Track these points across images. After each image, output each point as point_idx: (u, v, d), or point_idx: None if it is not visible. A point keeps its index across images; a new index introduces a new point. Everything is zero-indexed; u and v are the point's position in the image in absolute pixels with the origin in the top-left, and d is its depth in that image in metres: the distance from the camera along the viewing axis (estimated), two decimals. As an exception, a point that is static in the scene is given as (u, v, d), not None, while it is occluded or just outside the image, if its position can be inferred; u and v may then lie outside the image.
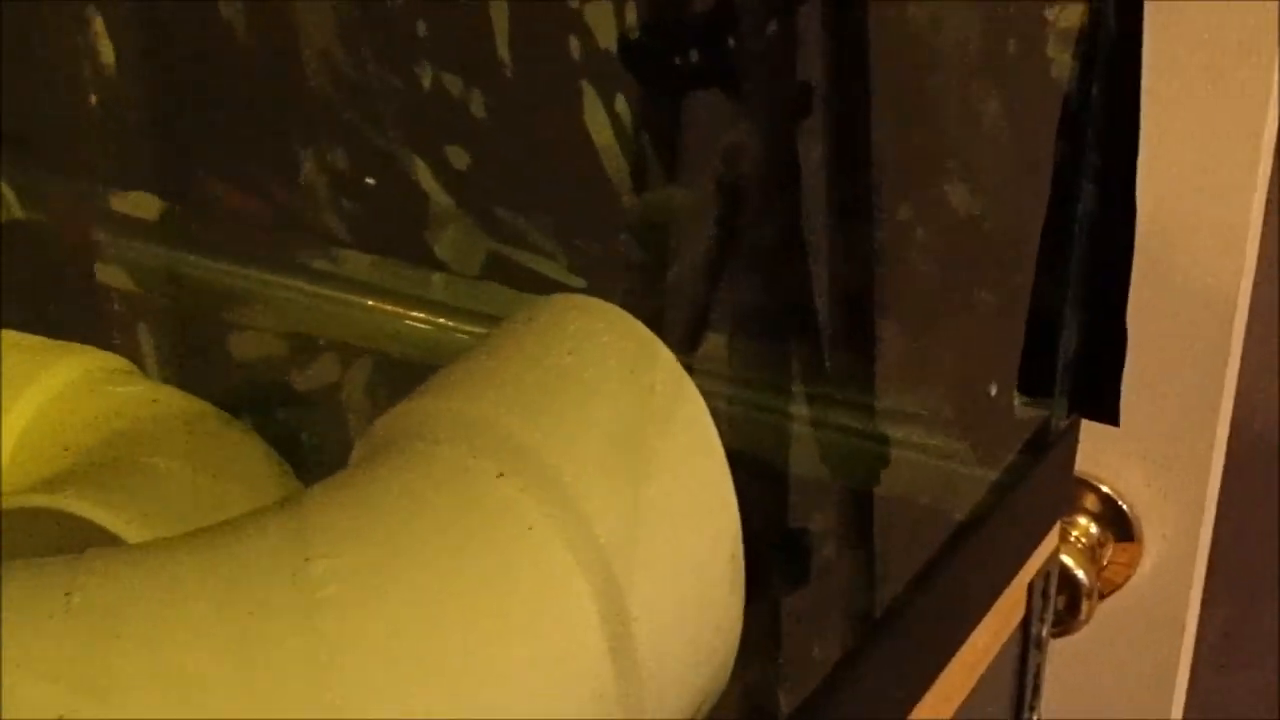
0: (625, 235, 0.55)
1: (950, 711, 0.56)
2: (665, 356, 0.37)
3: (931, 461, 0.60)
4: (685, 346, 0.58)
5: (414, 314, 0.60)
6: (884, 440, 0.59)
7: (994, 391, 0.60)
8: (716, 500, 0.38)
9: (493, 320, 0.61)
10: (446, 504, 0.34)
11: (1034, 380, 0.61)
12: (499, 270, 0.58)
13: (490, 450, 0.34)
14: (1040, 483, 0.62)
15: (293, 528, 0.34)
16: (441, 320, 0.60)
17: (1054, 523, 0.63)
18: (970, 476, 0.60)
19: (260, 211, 0.62)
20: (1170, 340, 0.71)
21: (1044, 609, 0.64)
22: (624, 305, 0.58)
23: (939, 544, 0.55)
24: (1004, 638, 0.61)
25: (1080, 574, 0.73)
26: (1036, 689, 0.65)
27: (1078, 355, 0.61)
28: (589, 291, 0.58)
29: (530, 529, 0.33)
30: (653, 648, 0.36)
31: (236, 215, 0.63)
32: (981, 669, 0.59)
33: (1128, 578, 0.77)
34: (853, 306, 0.60)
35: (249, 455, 0.43)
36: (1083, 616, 0.74)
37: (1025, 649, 0.63)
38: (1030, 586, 0.62)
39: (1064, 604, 0.74)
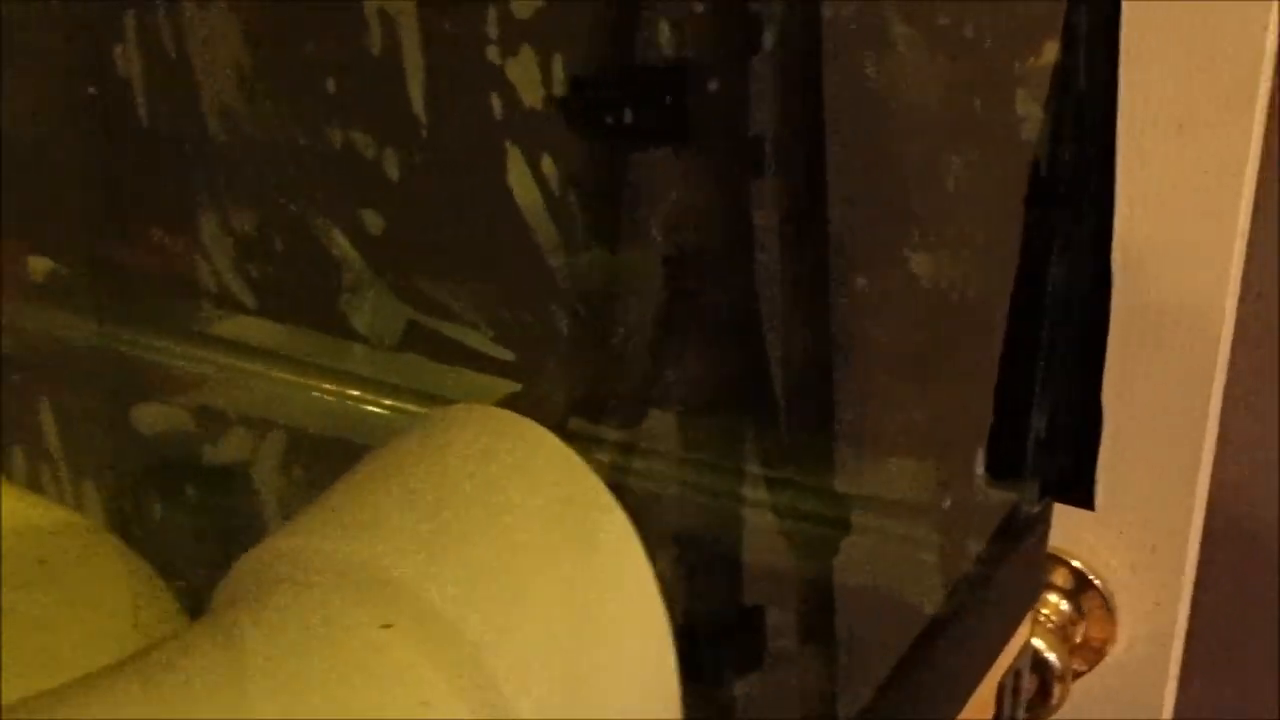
0: (555, 305, 0.50)
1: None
2: (588, 480, 0.32)
3: (893, 548, 0.55)
4: (626, 424, 0.54)
5: (328, 386, 0.55)
6: (842, 525, 0.55)
7: (952, 476, 0.56)
8: (654, 652, 0.33)
9: (414, 394, 0.56)
10: (322, 660, 0.29)
11: (1002, 462, 0.57)
12: (420, 341, 0.53)
13: (374, 598, 0.29)
14: (1011, 573, 0.57)
15: (136, 692, 0.28)
16: (358, 393, 0.55)
17: (1025, 615, 0.58)
18: (935, 565, 0.55)
19: (163, 276, 0.57)
20: (1146, 413, 0.66)
21: (1015, 707, 0.59)
22: (558, 379, 0.53)
23: (901, 646, 0.51)
24: (971, 743, 0.56)
25: (1052, 657, 0.69)
26: (1006, 790, 0.60)
27: (1049, 435, 0.56)
28: (518, 365, 0.53)
29: (426, 703, 0.28)
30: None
31: (137, 279, 0.58)
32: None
33: (1102, 657, 0.73)
34: (809, 381, 0.55)
35: (107, 574, 0.37)
36: (1054, 701, 0.69)
37: (993, 751, 0.58)
38: (1001, 686, 0.57)
39: (1035, 688, 0.69)
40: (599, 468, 0.49)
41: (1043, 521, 0.58)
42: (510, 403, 0.53)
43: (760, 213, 0.52)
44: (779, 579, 0.54)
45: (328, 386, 0.55)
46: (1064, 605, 0.72)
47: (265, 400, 0.58)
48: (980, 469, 0.55)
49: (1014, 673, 0.58)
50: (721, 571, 0.53)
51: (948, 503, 0.55)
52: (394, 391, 0.54)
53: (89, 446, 0.62)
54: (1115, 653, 0.73)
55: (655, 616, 0.32)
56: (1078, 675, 0.73)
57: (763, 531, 0.53)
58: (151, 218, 0.56)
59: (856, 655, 0.54)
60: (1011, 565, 0.57)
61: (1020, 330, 0.55)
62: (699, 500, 0.52)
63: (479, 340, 0.53)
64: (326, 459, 0.60)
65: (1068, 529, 0.72)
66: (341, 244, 0.52)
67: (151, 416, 0.61)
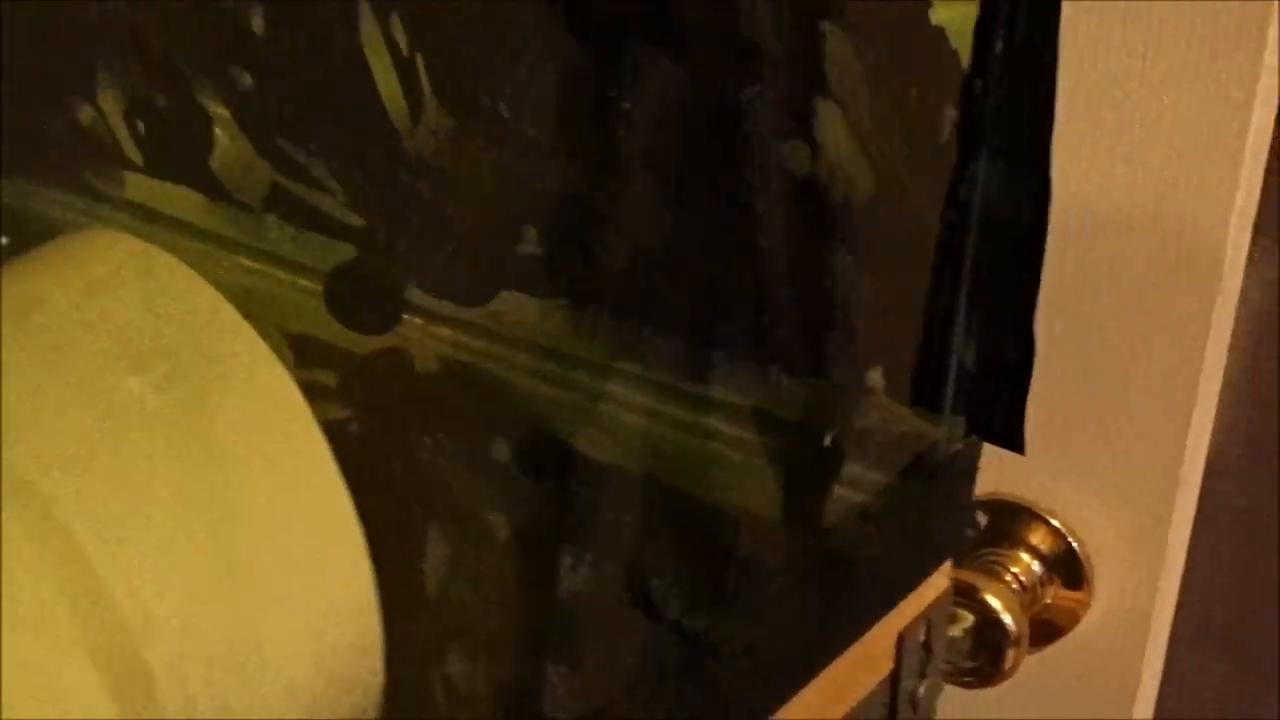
0: (405, 173, 0.46)
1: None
2: (225, 312, 0.28)
3: (768, 467, 0.50)
4: (472, 301, 0.49)
5: (195, 245, 0.53)
6: (704, 435, 0.50)
7: (876, 393, 0.50)
8: (318, 487, 0.29)
9: (273, 258, 0.53)
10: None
11: (923, 389, 0.51)
12: (281, 203, 0.50)
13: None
14: (922, 513, 0.51)
15: None
16: (224, 253, 0.52)
17: (940, 563, 0.53)
18: (826, 493, 0.50)
19: (51, 130, 0.54)
20: (1140, 370, 0.60)
21: (924, 663, 0.54)
22: (402, 248, 0.49)
23: (783, 569, 0.46)
24: (860, 693, 0.51)
25: (1008, 619, 0.63)
26: (915, 753, 0.55)
27: (978, 365, 0.51)
28: (368, 233, 0.49)
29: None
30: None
31: (34, 137, 0.55)
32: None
33: (1070, 627, 0.66)
34: (686, 274, 0.50)
35: None
36: (1007, 666, 0.63)
37: (893, 707, 0.53)
38: (901, 637, 0.52)
39: (987, 652, 0.63)
40: (437, 344, 0.45)
41: (968, 461, 0.52)
42: (350, 268, 0.49)
43: (619, 87, 0.47)
44: (625, 480, 0.49)
45: (198, 246, 0.52)
46: (1035, 566, 0.66)
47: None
48: (884, 393, 0.50)
49: (924, 624, 0.53)
50: (567, 469, 0.48)
51: (850, 426, 0.50)
52: (256, 254, 0.51)
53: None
54: (1088, 623, 0.67)
55: (305, 439, 0.28)
56: (1043, 642, 0.67)
57: (614, 429, 0.49)
58: (45, 74, 0.53)
59: (733, 576, 0.49)
60: (923, 505, 0.51)
61: (948, 245, 0.49)
62: (545, 392, 0.48)
63: (333, 205, 0.49)
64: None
65: (1050, 485, 0.66)
66: (213, 102, 0.49)
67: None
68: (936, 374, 0.50)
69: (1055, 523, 0.66)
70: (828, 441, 0.47)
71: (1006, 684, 0.70)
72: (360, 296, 0.50)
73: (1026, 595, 0.66)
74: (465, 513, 0.52)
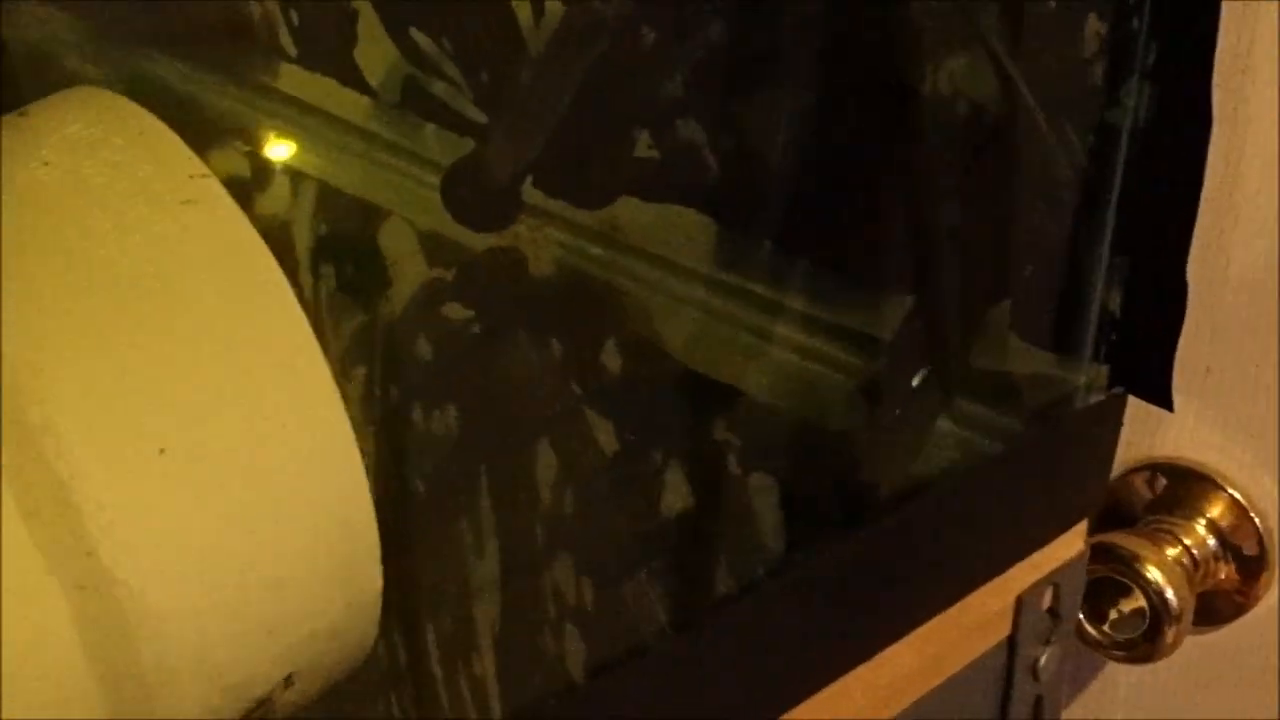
0: (528, 71, 0.45)
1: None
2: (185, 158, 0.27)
3: (903, 409, 0.46)
4: (590, 204, 0.48)
5: (337, 137, 0.52)
6: (819, 360, 0.47)
7: (1001, 330, 0.46)
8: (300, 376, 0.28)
9: (406, 154, 0.52)
10: None
11: (1063, 334, 0.47)
12: (416, 98, 0.49)
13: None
14: (1054, 469, 0.47)
15: None
16: (363, 146, 0.52)
17: (1072, 524, 0.48)
18: (950, 437, 0.46)
19: (213, 19, 0.55)
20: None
21: (1050, 631, 0.50)
22: (529, 151, 0.47)
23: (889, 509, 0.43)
24: (967, 656, 0.47)
25: (1170, 594, 0.58)
26: (1036, 727, 0.51)
27: (1125, 312, 0.46)
28: (489, 130, 0.48)
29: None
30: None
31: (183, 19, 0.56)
32: (920, 690, 0.46)
33: (1246, 609, 0.61)
34: (818, 198, 0.47)
35: None
36: (1165, 644, 0.58)
37: (1010, 674, 0.49)
38: (1020, 600, 0.48)
39: (1144, 627, 0.59)
40: (552, 246, 0.43)
41: (1110, 415, 0.48)
42: (467, 164, 0.48)
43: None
44: (731, 397, 0.47)
45: (341, 139, 0.52)
46: (1211, 541, 0.61)
47: (296, 151, 0.55)
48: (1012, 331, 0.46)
49: (1050, 588, 0.49)
50: (673, 381, 0.46)
51: (971, 363, 0.46)
52: (392, 149, 0.51)
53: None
54: (1264, 608, 0.61)
55: (266, 283, 0.27)
56: (1211, 623, 0.61)
57: (726, 346, 0.46)
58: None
59: (820, 505, 0.46)
60: (1055, 458, 0.47)
61: (1097, 179, 0.45)
62: (658, 301, 0.46)
63: (463, 102, 0.48)
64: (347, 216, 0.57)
65: (1237, 456, 0.60)
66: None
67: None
68: (1077, 317, 0.46)
69: (1238, 496, 0.60)
70: (934, 376, 0.43)
71: (1163, 663, 0.64)
72: (476, 193, 0.49)
73: (1196, 571, 0.61)
74: (573, 420, 0.50)
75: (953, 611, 0.46)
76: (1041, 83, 0.43)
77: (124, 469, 0.26)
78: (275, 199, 0.57)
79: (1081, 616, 0.60)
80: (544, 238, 0.50)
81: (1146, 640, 0.59)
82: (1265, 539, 0.60)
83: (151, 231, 0.27)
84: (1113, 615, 0.59)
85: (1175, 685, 0.63)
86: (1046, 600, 0.49)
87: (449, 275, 0.53)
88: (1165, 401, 0.46)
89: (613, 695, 0.36)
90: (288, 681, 0.30)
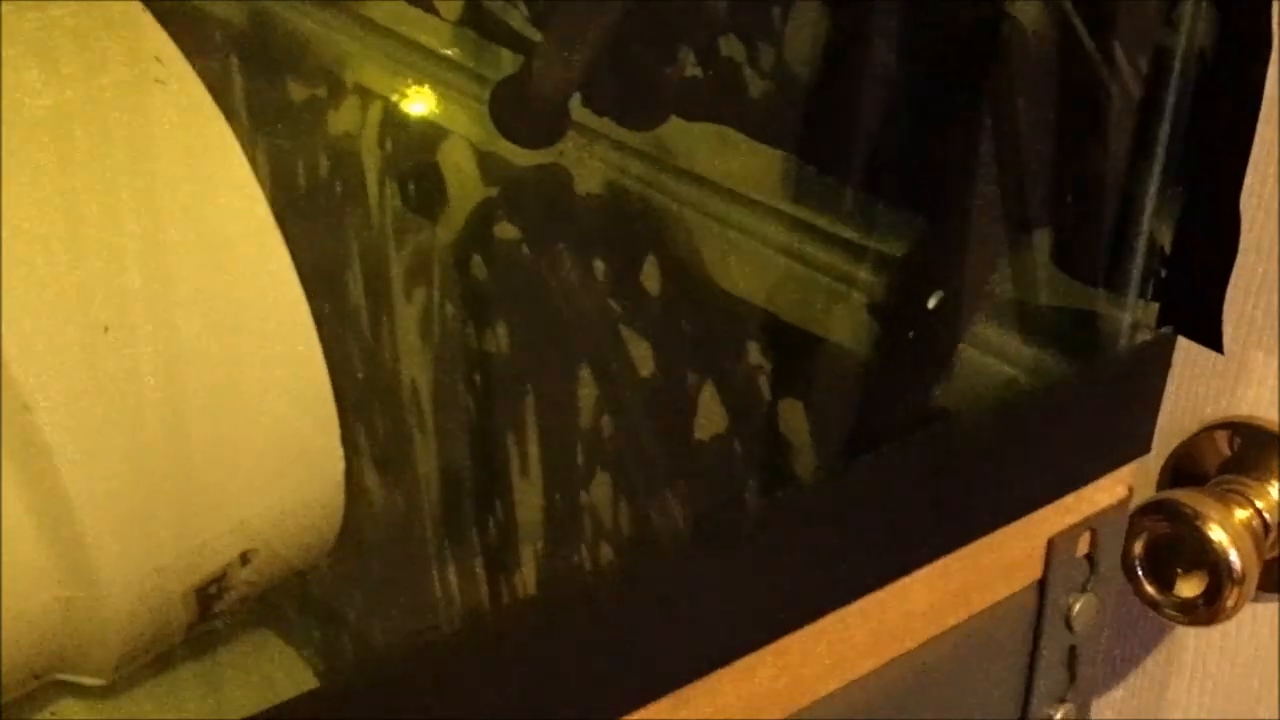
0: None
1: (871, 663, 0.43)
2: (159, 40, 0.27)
3: (935, 335, 0.45)
4: (638, 125, 0.47)
5: (404, 56, 0.53)
6: (860, 288, 0.46)
7: (1039, 259, 0.45)
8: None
9: (466, 71, 0.52)
10: None
11: (1108, 268, 0.45)
12: (476, 17, 0.49)
13: None
14: (1094, 409, 0.46)
15: None
16: (425, 66, 0.53)
17: (1113, 467, 0.47)
18: (982, 368, 0.45)
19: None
20: None
21: (1086, 579, 0.48)
22: (577, 68, 0.47)
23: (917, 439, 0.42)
24: (989, 598, 0.46)
25: (1233, 554, 0.55)
26: (1071, 679, 0.49)
27: (1176, 248, 0.44)
28: (538, 46, 0.48)
29: None
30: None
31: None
32: (938, 626, 0.45)
33: (1317, 577, 0.58)
34: (869, 125, 0.46)
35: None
36: (1226, 607, 0.56)
37: (1040, 621, 0.47)
38: (1052, 543, 0.46)
39: (1206, 588, 0.56)
40: (599, 165, 0.43)
41: (1157, 355, 0.46)
42: (515, 80, 0.48)
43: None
44: (769, 322, 0.46)
45: (407, 57, 0.52)
46: (1283, 501, 0.58)
47: (367, 71, 0.56)
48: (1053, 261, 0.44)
49: (1086, 533, 0.47)
50: (715, 305, 0.46)
51: (1019, 301, 0.45)
52: (453, 67, 0.51)
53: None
54: (1338, 575, 0.58)
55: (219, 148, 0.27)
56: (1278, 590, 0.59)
57: (768, 269, 0.46)
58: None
59: (848, 429, 0.46)
60: (1095, 398, 0.45)
61: (1148, 108, 0.43)
62: (705, 226, 0.45)
63: (516, 19, 0.48)
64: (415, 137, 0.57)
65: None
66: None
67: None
68: (1125, 251, 0.44)
69: (1318, 456, 0.58)
70: (958, 300, 0.42)
71: (1231, 628, 0.62)
72: (523, 109, 0.48)
73: (1267, 536, 0.58)
74: (614, 341, 0.50)
75: (977, 549, 0.44)
76: (1090, 2, 0.41)
77: (65, 344, 0.26)
78: (346, 118, 0.58)
79: (1140, 574, 0.58)
80: (590, 155, 0.49)
81: (1207, 602, 0.57)
82: (1341, 504, 0.57)
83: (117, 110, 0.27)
84: (1174, 575, 0.57)
85: (1243, 652, 0.61)
86: (1083, 547, 0.48)
87: (495, 193, 0.53)
88: (1215, 343, 0.44)
89: (625, 592, 0.36)
90: (244, 559, 0.30)
